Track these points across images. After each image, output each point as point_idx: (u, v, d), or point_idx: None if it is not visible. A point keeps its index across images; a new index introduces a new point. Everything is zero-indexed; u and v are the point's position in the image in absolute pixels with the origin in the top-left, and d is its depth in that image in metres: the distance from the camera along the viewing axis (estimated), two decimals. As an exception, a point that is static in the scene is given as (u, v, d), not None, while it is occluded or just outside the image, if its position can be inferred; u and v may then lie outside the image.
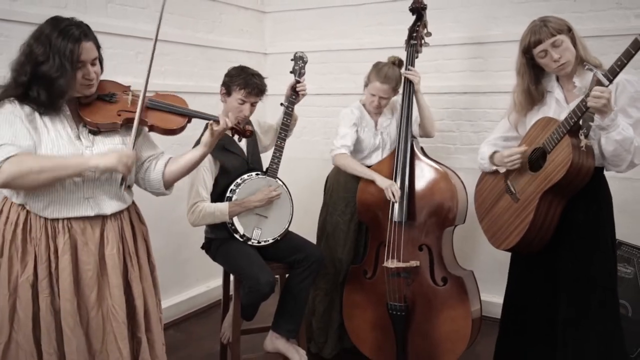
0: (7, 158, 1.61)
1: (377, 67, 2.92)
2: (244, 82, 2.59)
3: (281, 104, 2.83)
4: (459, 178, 2.86)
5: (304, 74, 2.84)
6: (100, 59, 1.81)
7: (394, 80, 2.88)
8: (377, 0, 3.83)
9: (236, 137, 2.64)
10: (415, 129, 2.97)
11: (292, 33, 4.22)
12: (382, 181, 2.80)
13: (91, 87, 1.78)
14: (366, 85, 2.96)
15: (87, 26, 1.77)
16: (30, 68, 1.69)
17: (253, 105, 2.64)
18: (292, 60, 2.87)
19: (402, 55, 3.00)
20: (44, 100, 1.70)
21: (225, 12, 3.97)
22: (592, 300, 2.17)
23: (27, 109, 1.71)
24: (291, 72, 2.84)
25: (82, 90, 1.77)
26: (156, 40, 1.85)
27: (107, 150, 1.80)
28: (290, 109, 2.79)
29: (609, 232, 2.23)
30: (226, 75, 2.67)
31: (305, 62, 2.87)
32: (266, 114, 3.75)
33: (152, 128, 1.88)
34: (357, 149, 3.00)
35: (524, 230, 2.21)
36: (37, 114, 1.72)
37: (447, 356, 2.73)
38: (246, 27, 4.18)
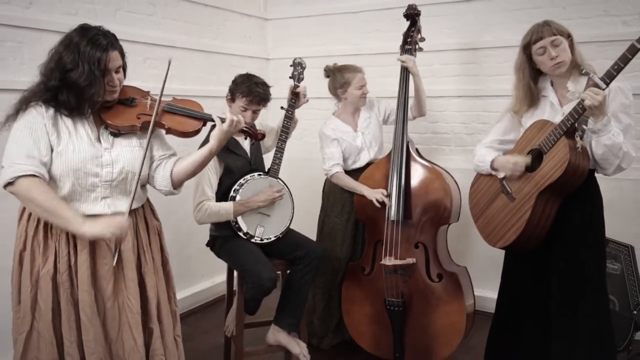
0: (25, 176, 1.66)
1: (341, 70, 2.99)
2: (247, 90, 2.59)
3: (282, 108, 2.83)
4: (452, 178, 2.86)
5: (302, 79, 2.84)
6: (124, 67, 1.84)
7: (359, 67, 2.99)
8: (374, 8, 3.84)
9: (247, 140, 2.67)
10: (409, 114, 2.97)
11: (293, 39, 4.23)
12: (369, 194, 2.82)
13: (114, 93, 1.81)
14: (344, 89, 2.97)
15: (114, 35, 1.79)
16: (59, 74, 1.70)
17: (255, 112, 2.65)
18: (290, 66, 2.88)
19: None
20: (73, 105, 1.73)
21: (229, 19, 3.98)
22: (585, 298, 2.17)
23: (51, 111, 1.73)
24: (290, 78, 2.85)
25: (106, 96, 1.79)
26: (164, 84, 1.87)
27: (125, 151, 1.83)
28: (290, 113, 2.79)
29: (601, 231, 2.24)
30: (232, 82, 2.68)
31: (303, 68, 2.87)
32: (268, 117, 3.75)
33: (169, 131, 1.90)
34: (343, 157, 3.02)
35: (520, 228, 2.20)
36: (59, 117, 1.75)
37: (443, 349, 2.73)
38: (249, 33, 4.19)
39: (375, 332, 2.88)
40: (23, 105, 1.74)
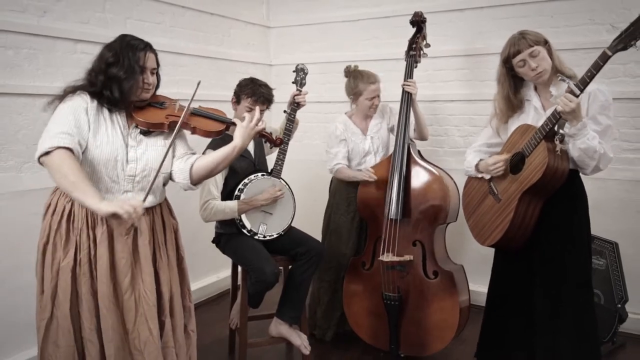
0: (61, 147, 1.66)
1: (358, 76, 2.94)
2: (252, 91, 2.60)
3: (284, 111, 2.83)
4: (453, 180, 2.86)
5: (304, 84, 2.84)
6: (158, 76, 1.92)
7: (375, 76, 2.92)
8: (371, 16, 3.84)
9: (267, 145, 2.69)
10: (411, 133, 2.98)
11: (294, 46, 4.23)
12: (361, 175, 2.86)
13: (147, 92, 1.87)
14: (357, 96, 2.96)
15: (150, 43, 1.88)
16: (104, 67, 1.79)
17: (259, 113, 2.64)
18: (293, 71, 2.87)
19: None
20: (117, 97, 1.79)
21: (234, 27, 3.98)
22: (569, 295, 2.17)
23: (95, 103, 1.80)
24: (293, 83, 2.84)
25: (139, 94, 1.84)
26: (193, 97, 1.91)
27: (150, 149, 1.87)
28: (292, 116, 2.80)
29: (585, 230, 2.23)
30: (237, 85, 2.69)
31: (305, 73, 2.87)
32: (271, 120, 3.75)
33: (194, 130, 1.92)
34: (349, 157, 3.02)
35: (505, 227, 2.21)
36: (100, 110, 1.80)
37: (437, 343, 2.73)
38: (253, 40, 4.19)
39: (373, 324, 2.89)
40: (70, 92, 1.80)
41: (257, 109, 2.02)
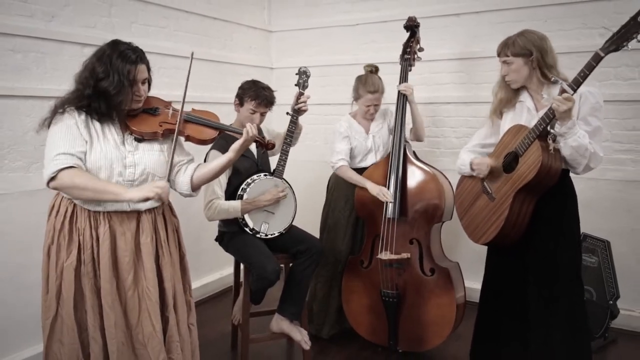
0: (64, 168, 1.68)
1: (362, 80, 2.94)
2: (255, 94, 2.60)
3: (287, 113, 2.83)
4: (447, 179, 2.86)
5: (307, 86, 2.84)
6: (149, 80, 1.88)
7: (380, 86, 2.92)
8: (370, 21, 3.85)
9: (256, 148, 2.68)
10: (407, 134, 2.98)
11: (295, 50, 4.23)
12: (372, 188, 2.82)
13: (139, 102, 1.85)
14: (356, 99, 2.98)
15: (142, 51, 1.83)
16: (93, 82, 1.75)
17: (263, 115, 2.65)
18: (296, 74, 2.87)
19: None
20: (104, 111, 1.77)
21: (236, 32, 3.98)
22: (561, 291, 2.17)
23: (83, 116, 1.78)
24: (296, 85, 2.84)
25: (130, 106, 1.82)
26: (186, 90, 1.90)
27: (147, 155, 1.85)
28: (295, 118, 2.79)
29: (574, 225, 2.24)
30: (240, 88, 2.68)
31: (308, 76, 2.87)
32: (273, 122, 3.75)
33: (188, 138, 1.92)
34: (352, 155, 3.02)
35: (499, 225, 2.21)
36: (90, 122, 1.78)
37: (434, 339, 2.74)
38: (254, 44, 4.19)
39: (372, 321, 2.89)
40: (59, 109, 1.77)
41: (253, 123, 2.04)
